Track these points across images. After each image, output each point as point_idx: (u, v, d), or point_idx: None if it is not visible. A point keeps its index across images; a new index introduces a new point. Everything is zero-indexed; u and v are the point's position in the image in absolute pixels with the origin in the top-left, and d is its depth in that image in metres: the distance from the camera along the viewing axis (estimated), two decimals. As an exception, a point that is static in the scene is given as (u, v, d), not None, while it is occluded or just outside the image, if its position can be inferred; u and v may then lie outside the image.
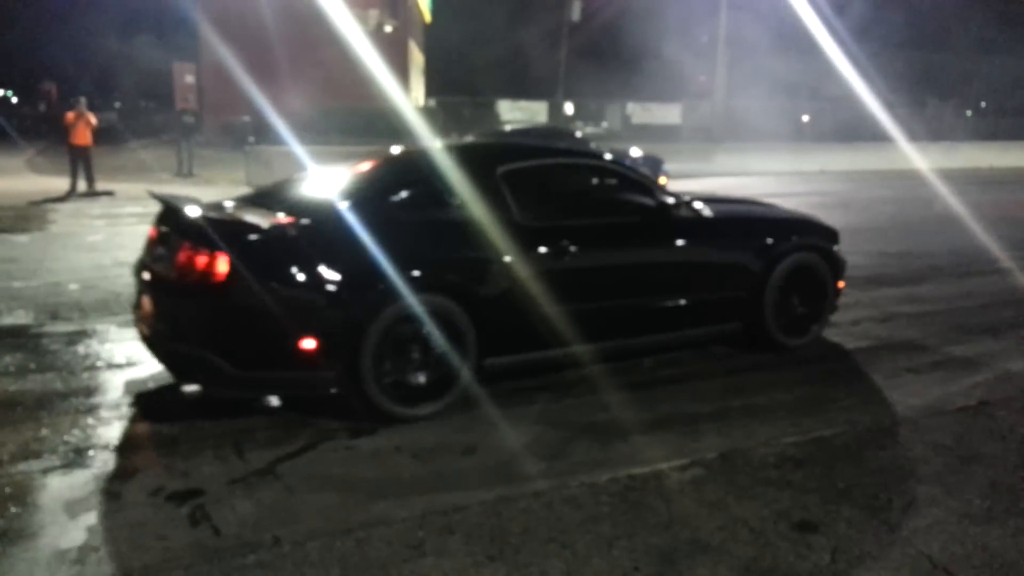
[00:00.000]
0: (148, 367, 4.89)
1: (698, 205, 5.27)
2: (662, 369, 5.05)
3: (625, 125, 44.00)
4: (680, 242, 5.08)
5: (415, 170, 4.85)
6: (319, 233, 4.09)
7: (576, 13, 36.45)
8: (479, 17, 38.00)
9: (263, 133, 21.26)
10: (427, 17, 41.27)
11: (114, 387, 4.60)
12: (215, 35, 28.83)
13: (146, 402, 4.41)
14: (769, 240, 5.32)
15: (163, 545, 2.93)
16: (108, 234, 10.40)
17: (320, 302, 3.96)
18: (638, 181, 5.17)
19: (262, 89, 23.82)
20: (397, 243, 4.10)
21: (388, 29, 32.42)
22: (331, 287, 3.96)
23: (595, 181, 5.34)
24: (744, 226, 5.50)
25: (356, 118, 23.09)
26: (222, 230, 3.98)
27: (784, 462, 3.72)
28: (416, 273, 4.07)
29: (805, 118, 37.54)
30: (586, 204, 5.08)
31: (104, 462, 3.63)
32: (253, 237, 3.99)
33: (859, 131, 32.14)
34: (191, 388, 3.94)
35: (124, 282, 7.39)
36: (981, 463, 3.75)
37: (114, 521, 3.12)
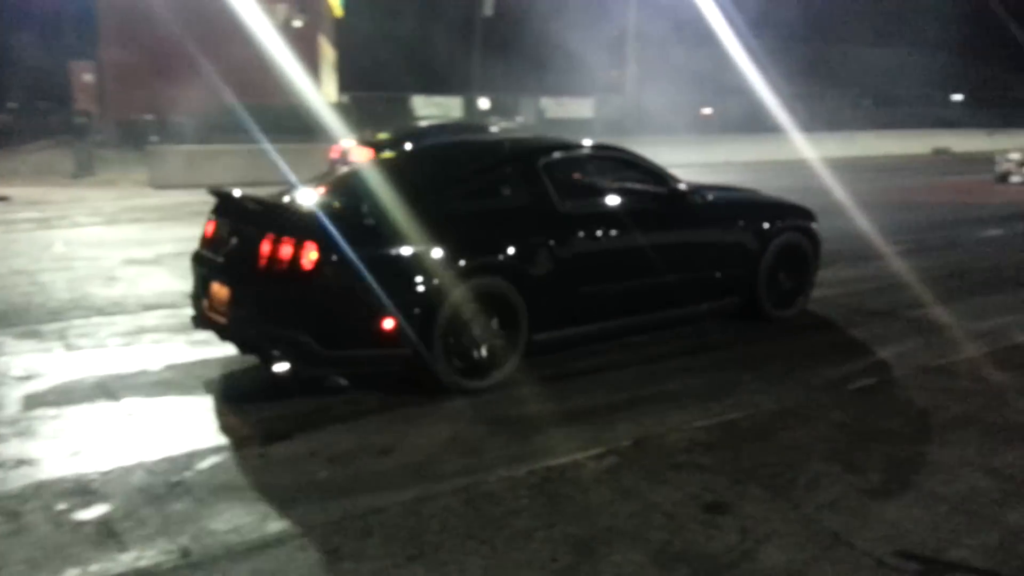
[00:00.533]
0: (48, 379, 4.68)
1: (705, 191, 5.84)
2: (579, 360, 5.12)
3: (540, 119, 44.27)
4: (694, 225, 5.66)
5: (467, 162, 5.33)
6: (393, 222, 4.39)
7: (489, 8, 36.43)
8: (391, 11, 37.59)
9: (167, 132, 20.52)
10: (338, 11, 40.56)
11: (12, 401, 4.39)
12: (116, 31, 27.67)
13: (48, 416, 4.21)
14: (763, 222, 5.92)
15: (67, 564, 2.82)
16: (3, 241, 9.89)
17: (397, 286, 4.28)
18: (654, 170, 5.66)
19: (166, 87, 22.99)
20: (460, 230, 4.56)
21: (297, 24, 31.75)
22: (407, 271, 4.32)
23: (618, 171, 5.85)
24: (743, 210, 6.05)
25: (266, 115, 22.51)
26: (306, 221, 4.35)
27: (695, 446, 3.83)
28: (473, 260, 4.51)
29: (707, 111, 38.54)
30: (613, 192, 5.50)
31: (1, 480, 3.46)
32: (336, 226, 4.24)
33: (763, 122, 33.24)
34: (281, 368, 4.25)
35: (21, 291, 7.06)
36: (879, 439, 3.95)
37: (13, 543, 2.98)
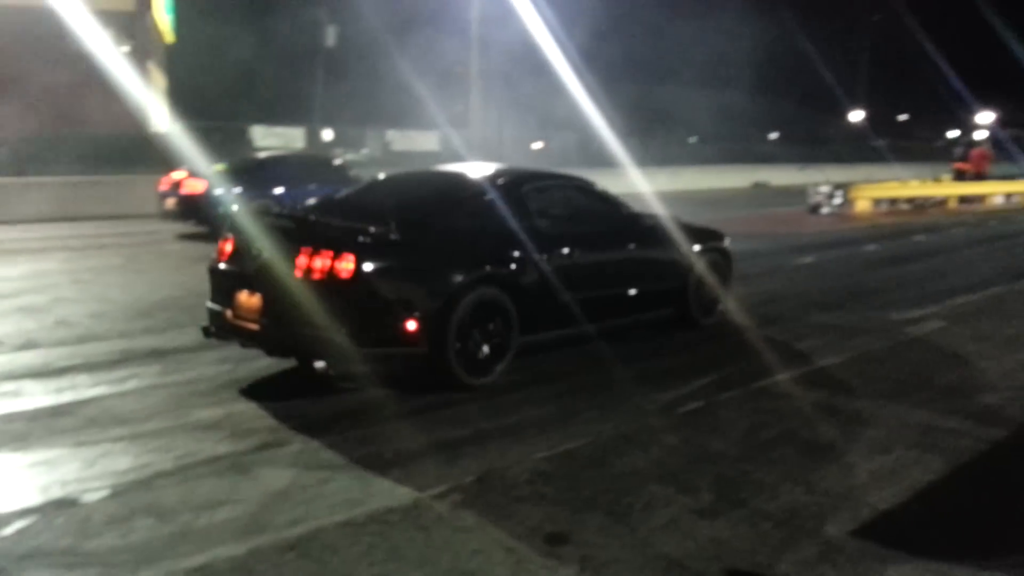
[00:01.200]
0: None
1: (650, 216, 6.86)
2: (418, 398, 5.07)
3: (386, 152, 44.09)
4: (643, 245, 6.60)
5: (467, 188, 5.97)
6: (414, 238, 5.09)
7: (331, 38, 36.03)
8: (227, 38, 36.30)
9: (-26, 162, 18.71)
10: (169, 37, 38.76)
11: None
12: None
13: None
14: (693, 244, 6.90)
15: None
16: None
17: (418, 293, 4.98)
18: (609, 197, 6.67)
19: (-27, 112, 21.04)
20: (464, 248, 5.33)
21: (124, 50, 30.06)
22: (426, 281, 5.04)
23: (581, 198, 6.61)
24: (676, 233, 6.93)
25: (89, 145, 21.06)
26: (342, 236, 4.90)
27: (536, 478, 3.86)
28: (479, 271, 5.24)
29: (538, 145, 39.73)
30: (580, 215, 6.38)
31: None
32: (367, 241, 4.90)
33: (602, 158, 34.67)
34: (319, 364, 4.79)
35: None
36: (708, 460, 4.14)
37: None
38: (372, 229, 4.99)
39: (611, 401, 5.06)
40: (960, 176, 22.91)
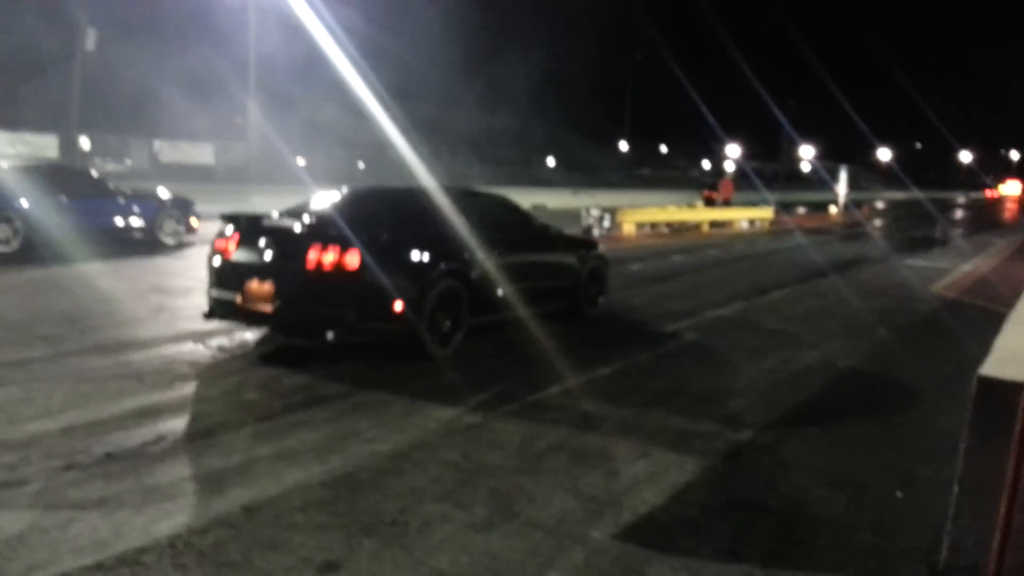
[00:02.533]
0: None
1: (552, 228, 8.60)
2: (196, 423, 4.71)
3: (153, 163, 41.10)
4: (551, 250, 8.37)
5: (431, 201, 7.34)
6: (399, 238, 6.47)
7: (91, 42, 33.07)
8: (-38, 33, 32.19)
9: None
10: None
11: None
12: None
13: None
14: (581, 249, 8.84)
15: None
16: None
17: (404, 280, 6.26)
18: (523, 211, 8.56)
19: None
20: (434, 248, 6.61)
21: None
22: (408, 273, 6.34)
23: (503, 211, 8.25)
24: (571, 241, 9.08)
25: None
26: (346, 235, 6.07)
27: (310, 505, 3.72)
28: (444, 266, 6.61)
29: (302, 161, 39.08)
30: (504, 225, 7.88)
31: None
32: (367, 240, 6.10)
33: (389, 174, 34.56)
34: (330, 336, 6.00)
35: None
36: (484, 474, 4.20)
37: None
38: (368, 230, 6.21)
39: (391, 420, 5.00)
40: (710, 203, 25.31)
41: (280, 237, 6.34)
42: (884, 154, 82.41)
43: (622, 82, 54.65)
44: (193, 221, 14.29)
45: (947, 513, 2.89)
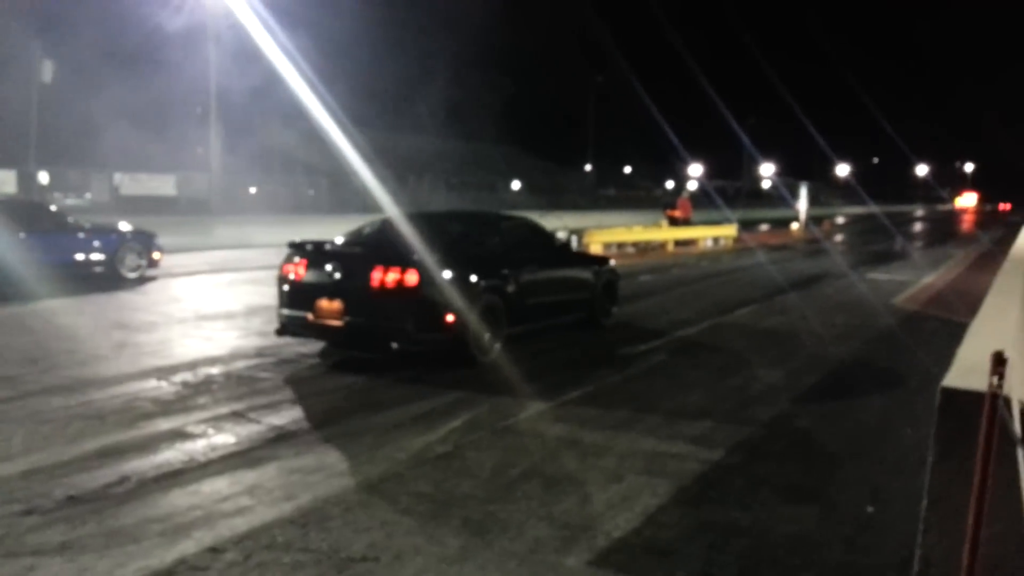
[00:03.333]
0: None
1: (571, 246, 9.91)
2: (149, 466, 4.61)
3: (114, 196, 40.53)
4: (571, 266, 9.39)
5: (472, 225, 8.71)
6: (448, 261, 7.16)
7: (47, 74, 32.69)
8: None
9: None
10: None
11: None
12: None
13: None
14: (595, 265, 9.73)
15: None
16: None
17: (453, 297, 7.02)
18: (546, 232, 9.57)
19: None
20: (477, 268, 7.47)
21: None
22: (457, 290, 7.09)
23: (530, 233, 9.22)
24: (587, 257, 10.46)
25: None
26: (406, 257, 6.95)
27: (279, 543, 3.63)
28: (485, 283, 7.50)
29: (252, 190, 38.82)
30: (532, 245, 8.90)
31: None
32: (421, 260, 6.94)
33: (355, 203, 34.50)
34: (394, 346, 6.88)
35: None
36: (457, 504, 4.16)
37: None
38: (423, 253, 7.04)
39: (360, 452, 4.93)
40: (673, 222, 25.55)
41: (345, 260, 7.26)
42: (843, 170, 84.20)
43: (585, 104, 55.19)
44: (156, 254, 14.08)
45: (917, 527, 2.91)
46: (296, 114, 27.72)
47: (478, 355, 7.30)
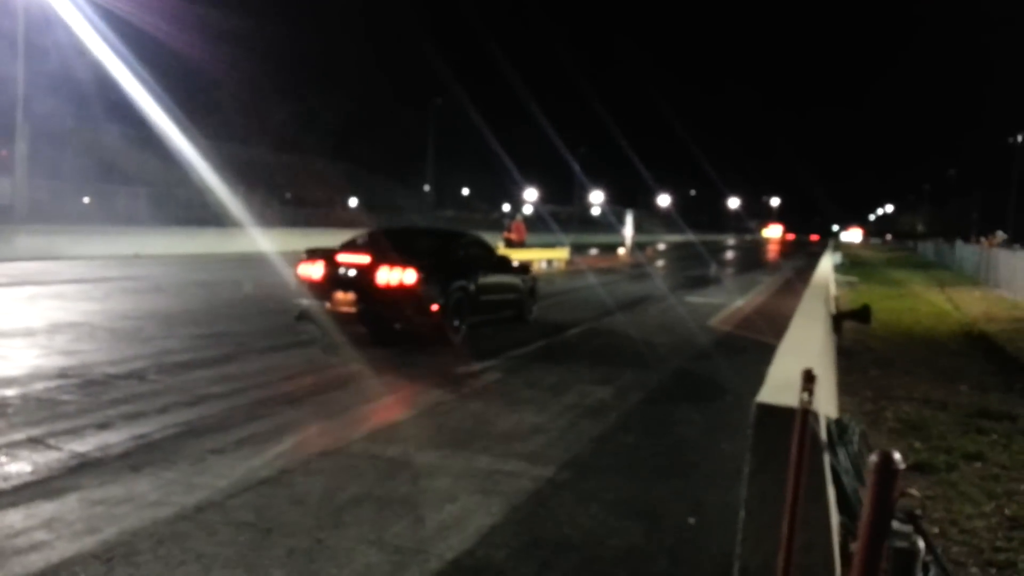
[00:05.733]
0: None
1: (508, 258, 12.22)
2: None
3: None
4: (510, 273, 11.69)
5: (447, 238, 11.65)
6: (435, 263, 9.58)
7: None
8: None
9: None
10: None
11: None
12: None
13: None
14: (524, 273, 12.18)
15: None
16: None
17: (437, 291, 9.33)
18: (488, 245, 11.92)
19: None
20: (453, 270, 9.89)
21: None
22: (440, 286, 9.42)
23: (477, 246, 11.41)
24: (520, 267, 12.27)
25: None
26: (406, 260, 9.17)
27: (77, 584, 3.28)
28: (457, 283, 9.77)
29: (86, 199, 36.08)
30: (480, 256, 11.13)
31: None
32: (418, 263, 9.18)
33: (182, 215, 32.55)
34: (397, 326, 9.21)
35: None
36: (281, 532, 3.93)
37: None
38: (416, 258, 9.20)
39: (178, 478, 4.58)
40: (510, 244, 26.05)
41: (356, 261, 9.29)
42: (664, 200, 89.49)
43: (425, 125, 55.27)
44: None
45: (736, 537, 3.05)
46: (123, 119, 25.84)
47: (451, 336, 9.51)
